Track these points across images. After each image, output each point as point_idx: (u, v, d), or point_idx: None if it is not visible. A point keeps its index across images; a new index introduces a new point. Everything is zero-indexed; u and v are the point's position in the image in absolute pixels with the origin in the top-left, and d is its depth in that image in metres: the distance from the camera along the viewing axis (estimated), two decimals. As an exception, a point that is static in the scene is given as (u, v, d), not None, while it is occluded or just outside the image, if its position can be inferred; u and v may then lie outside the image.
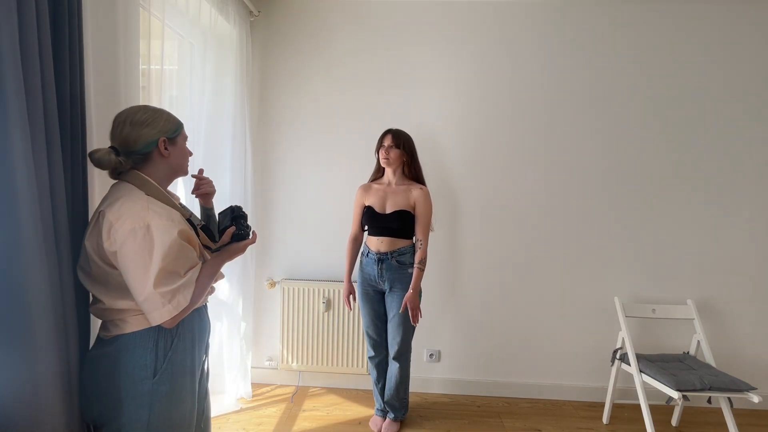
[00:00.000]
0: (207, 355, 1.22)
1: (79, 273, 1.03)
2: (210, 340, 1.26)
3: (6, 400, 0.86)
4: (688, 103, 2.30)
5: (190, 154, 1.17)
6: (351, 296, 2.05)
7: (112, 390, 0.99)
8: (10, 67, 0.82)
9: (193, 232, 1.08)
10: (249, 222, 1.24)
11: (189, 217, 1.12)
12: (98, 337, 1.06)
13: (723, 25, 2.27)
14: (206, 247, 1.20)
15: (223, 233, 1.17)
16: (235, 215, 1.19)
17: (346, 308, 2.31)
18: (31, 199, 0.86)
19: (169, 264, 0.97)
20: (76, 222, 1.06)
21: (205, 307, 1.20)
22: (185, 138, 1.15)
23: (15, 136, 0.82)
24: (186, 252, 1.03)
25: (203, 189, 1.26)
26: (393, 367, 2.00)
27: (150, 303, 0.95)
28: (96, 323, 1.12)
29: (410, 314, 1.86)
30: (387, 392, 2.04)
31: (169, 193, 1.14)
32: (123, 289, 0.98)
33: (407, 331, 1.93)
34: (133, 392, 0.99)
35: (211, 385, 2.31)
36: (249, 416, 2.14)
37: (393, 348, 1.96)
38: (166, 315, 0.97)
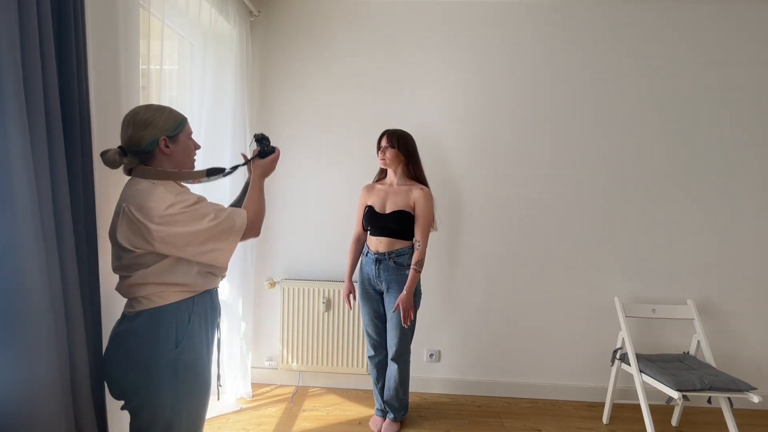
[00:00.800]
0: (220, 332, 1.33)
1: (113, 264, 1.12)
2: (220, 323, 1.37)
3: (5, 401, 0.86)
4: (689, 104, 2.30)
5: (197, 147, 1.22)
6: (351, 295, 2.06)
7: (139, 361, 1.07)
8: (10, 68, 0.82)
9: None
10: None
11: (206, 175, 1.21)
12: (123, 314, 1.14)
13: (725, 25, 2.27)
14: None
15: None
16: (257, 139, 1.32)
17: (347, 308, 2.32)
18: (30, 198, 0.85)
19: (216, 215, 1.10)
20: (81, 220, 1.07)
21: (216, 291, 1.27)
22: (189, 134, 1.19)
23: (14, 136, 0.82)
24: (215, 205, 1.15)
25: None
26: (392, 368, 1.99)
27: (225, 234, 1.11)
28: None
29: (401, 315, 1.86)
30: (386, 393, 2.04)
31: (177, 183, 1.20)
32: (154, 270, 1.07)
33: (405, 332, 1.92)
34: (160, 362, 1.07)
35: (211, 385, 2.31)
36: (249, 416, 2.14)
37: (391, 349, 1.96)
38: (241, 228, 1.15)
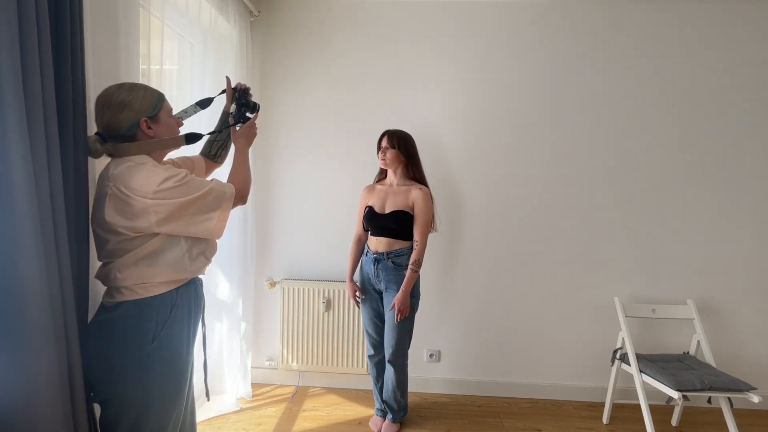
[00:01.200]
0: (204, 326, 1.29)
1: (98, 252, 1.09)
2: (209, 336, 1.33)
3: (4, 402, 0.86)
4: (690, 104, 2.30)
5: (180, 124, 1.19)
6: (357, 292, 2.03)
7: (113, 354, 1.04)
8: (9, 68, 0.82)
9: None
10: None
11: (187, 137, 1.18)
12: (101, 305, 1.10)
13: (726, 24, 2.26)
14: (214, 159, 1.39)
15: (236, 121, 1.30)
16: (238, 102, 1.30)
17: (346, 307, 2.33)
18: (29, 199, 0.85)
19: (206, 183, 1.11)
20: (74, 219, 1.06)
21: (201, 282, 1.25)
22: (168, 111, 1.15)
23: (13, 136, 0.82)
24: (201, 179, 1.15)
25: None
26: (388, 371, 1.98)
27: (217, 201, 1.11)
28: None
29: (395, 314, 1.86)
30: (384, 394, 2.04)
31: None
32: (142, 251, 1.05)
33: (402, 334, 1.91)
34: (134, 356, 1.04)
35: (211, 385, 2.31)
36: (249, 416, 2.14)
37: (388, 350, 1.95)
38: (231, 195, 1.15)
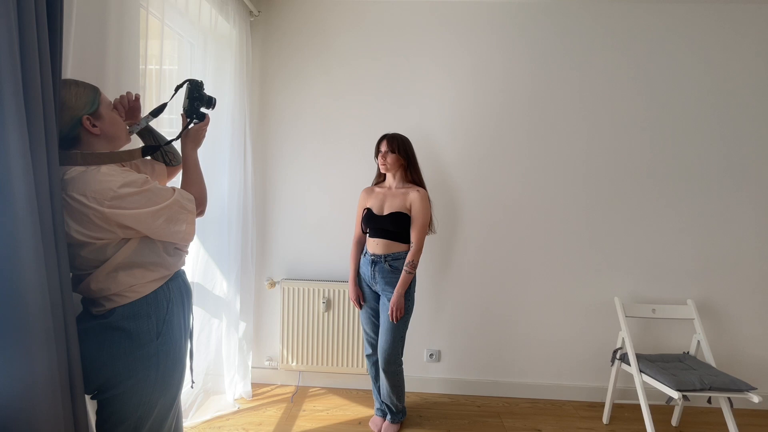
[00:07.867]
0: (193, 317, 1.28)
1: (71, 263, 1.04)
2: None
3: (3, 401, 0.86)
4: (688, 103, 2.30)
5: (123, 117, 1.12)
6: (360, 298, 2.03)
7: (119, 355, 1.02)
8: (8, 68, 0.81)
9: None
10: (206, 110, 1.22)
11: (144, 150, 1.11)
12: (89, 313, 1.07)
13: (721, 24, 2.27)
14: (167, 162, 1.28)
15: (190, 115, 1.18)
16: (190, 96, 1.17)
17: (346, 307, 2.32)
18: (29, 199, 0.85)
19: (168, 194, 1.06)
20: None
21: (185, 272, 1.24)
22: (108, 104, 1.07)
23: (12, 137, 0.82)
24: (160, 186, 1.09)
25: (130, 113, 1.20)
26: (382, 378, 1.97)
27: (183, 213, 1.07)
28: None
29: (389, 312, 1.85)
30: (382, 395, 2.04)
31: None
32: (120, 257, 1.01)
33: (396, 339, 1.90)
34: (141, 354, 1.04)
35: (211, 385, 2.32)
36: (249, 416, 2.14)
37: (381, 357, 1.92)
38: (193, 209, 1.11)
